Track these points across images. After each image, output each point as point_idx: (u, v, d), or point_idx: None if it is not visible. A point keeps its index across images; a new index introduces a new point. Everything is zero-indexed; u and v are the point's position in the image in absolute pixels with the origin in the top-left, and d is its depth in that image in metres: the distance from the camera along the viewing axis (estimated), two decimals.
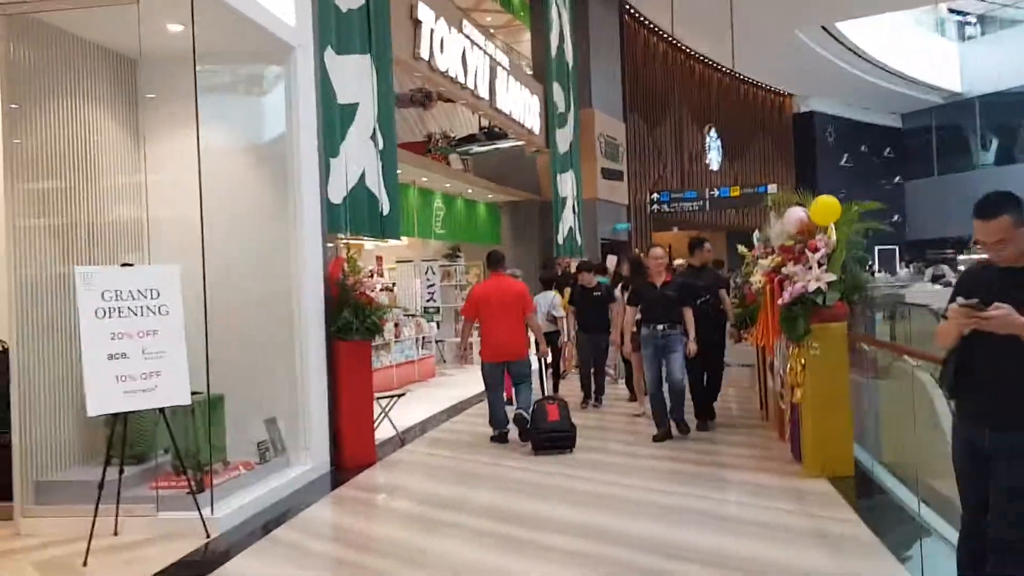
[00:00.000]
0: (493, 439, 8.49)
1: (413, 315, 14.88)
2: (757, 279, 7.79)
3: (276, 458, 6.98)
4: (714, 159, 27.74)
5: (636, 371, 9.90)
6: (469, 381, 13.82)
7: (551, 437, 7.80)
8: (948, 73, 32.94)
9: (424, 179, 15.46)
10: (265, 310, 7.26)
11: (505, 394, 8.82)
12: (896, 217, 33.35)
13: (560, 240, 17.94)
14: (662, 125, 24.67)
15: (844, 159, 33.50)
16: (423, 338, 14.46)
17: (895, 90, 32.05)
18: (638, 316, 8.29)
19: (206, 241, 5.86)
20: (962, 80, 33.38)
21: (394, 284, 15.44)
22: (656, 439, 8.09)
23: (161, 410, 5.60)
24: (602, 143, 20.30)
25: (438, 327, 16.40)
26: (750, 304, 8.25)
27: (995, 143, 33.37)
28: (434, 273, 15.90)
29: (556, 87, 17.99)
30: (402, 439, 8.76)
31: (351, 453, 7.70)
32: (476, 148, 18.44)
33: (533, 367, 8.99)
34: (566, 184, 18.33)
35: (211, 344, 5.98)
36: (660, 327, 8.02)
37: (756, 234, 9.50)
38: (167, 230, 6.86)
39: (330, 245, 8.04)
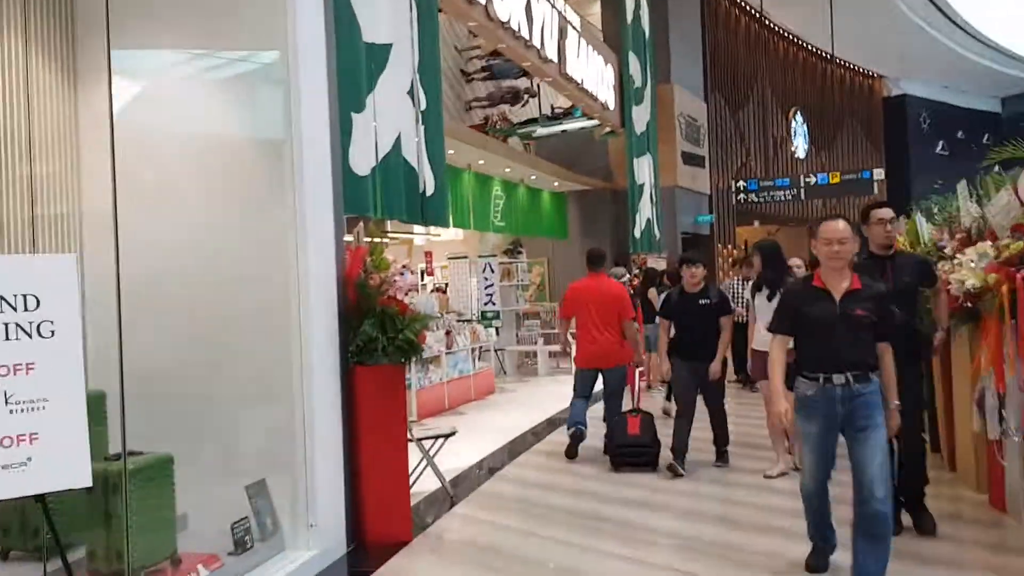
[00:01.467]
0: (568, 454, 7.62)
1: (468, 321, 12.57)
2: (966, 276, 5.27)
3: (264, 542, 4.70)
4: (800, 146, 24.94)
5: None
6: (533, 398, 11.45)
7: (630, 452, 7.04)
8: None
9: (481, 161, 13.13)
10: (252, 326, 4.99)
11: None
12: None
13: (637, 233, 15.46)
14: (745, 108, 22.00)
15: (940, 147, 30.29)
16: (480, 348, 12.13)
17: (997, 69, 28.76)
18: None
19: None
20: None
21: (447, 285, 13.17)
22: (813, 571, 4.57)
23: (39, 498, 3.34)
24: (682, 124, 17.76)
25: (497, 333, 14.07)
26: (956, 312, 5.62)
27: None
28: (493, 271, 13.56)
29: (632, 58, 15.52)
30: (452, 496, 6.41)
31: (378, 527, 5.36)
32: (540, 130, 16.07)
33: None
34: (643, 169, 15.84)
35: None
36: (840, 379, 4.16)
37: (918, 216, 7.08)
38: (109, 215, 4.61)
39: (348, 239, 5.72)
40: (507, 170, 14.24)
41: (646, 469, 6.97)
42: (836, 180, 17.93)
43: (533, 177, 15.11)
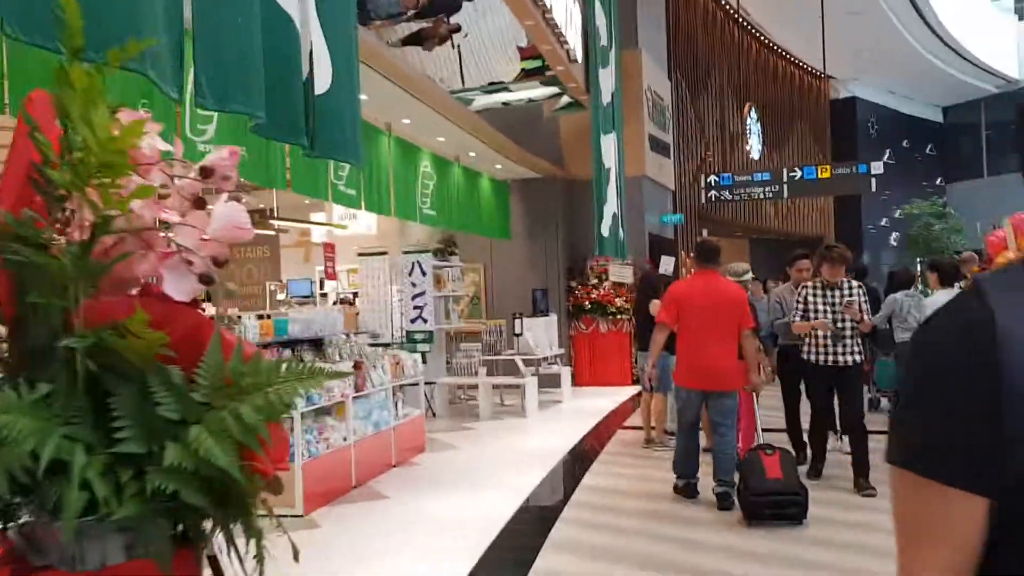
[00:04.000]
0: (677, 490, 6.08)
1: (387, 345, 8.55)
2: None
3: None
4: (754, 145, 21.76)
5: None
6: (484, 459, 7.48)
7: (774, 502, 5.26)
8: (1004, 56, 27.38)
9: (406, 121, 9.16)
10: None
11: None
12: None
13: (604, 230, 11.68)
14: (705, 96, 18.62)
15: (887, 155, 27.71)
16: (403, 386, 8.07)
17: (947, 72, 26.35)
18: None
19: None
20: (1021, 65, 27.85)
21: (355, 295, 9.11)
22: None
23: None
24: (649, 101, 14.14)
25: (424, 361, 10.04)
26: None
27: None
28: (424, 274, 9.55)
29: (598, 7, 11.78)
30: None
31: None
32: (479, 100, 12.22)
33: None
34: (610, 151, 12.10)
35: None
36: None
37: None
38: None
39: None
40: (440, 140, 10.27)
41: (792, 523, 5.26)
42: (826, 174, 14.63)
43: (473, 155, 11.18)
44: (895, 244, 27.22)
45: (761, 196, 15.03)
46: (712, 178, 15.19)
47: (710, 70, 19.01)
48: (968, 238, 21.44)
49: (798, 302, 6.09)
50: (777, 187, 14.81)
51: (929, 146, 29.99)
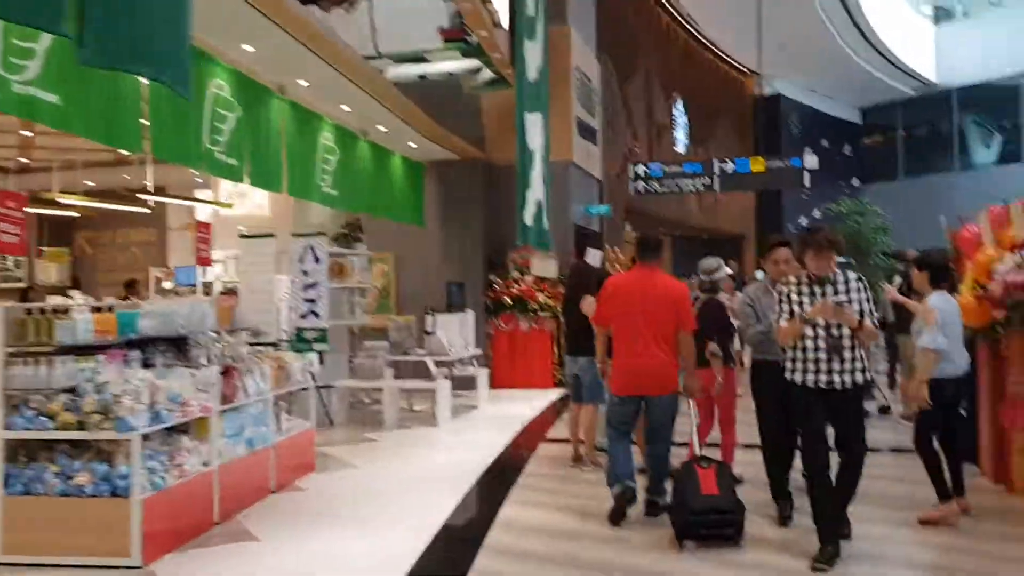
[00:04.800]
0: (612, 515, 5.19)
1: (272, 345, 7.21)
2: None
3: None
4: (680, 138, 20.98)
5: None
6: (388, 476, 6.23)
7: (709, 521, 4.70)
8: (924, 59, 27.35)
9: (303, 83, 7.84)
10: None
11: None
12: None
13: (528, 219, 10.54)
14: (633, 82, 17.66)
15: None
16: (288, 396, 6.75)
17: (868, 71, 26.12)
18: None
19: None
20: (937, 69, 27.88)
21: (231, 288, 7.74)
22: None
23: None
24: (578, 81, 13.04)
25: (321, 362, 8.73)
26: None
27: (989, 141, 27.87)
28: (317, 260, 8.22)
29: None
30: None
31: None
32: (392, 70, 10.91)
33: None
34: (535, 132, 10.96)
35: None
36: None
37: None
38: None
39: None
40: (345, 109, 8.95)
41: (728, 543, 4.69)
42: (760, 168, 13.81)
43: (383, 129, 9.88)
44: None
45: (692, 189, 14.11)
46: (641, 168, 14.20)
47: (637, 58, 18.07)
48: (893, 237, 21.13)
49: (781, 303, 4.53)
50: (708, 180, 13.91)
51: (847, 147, 29.87)
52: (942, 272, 5.31)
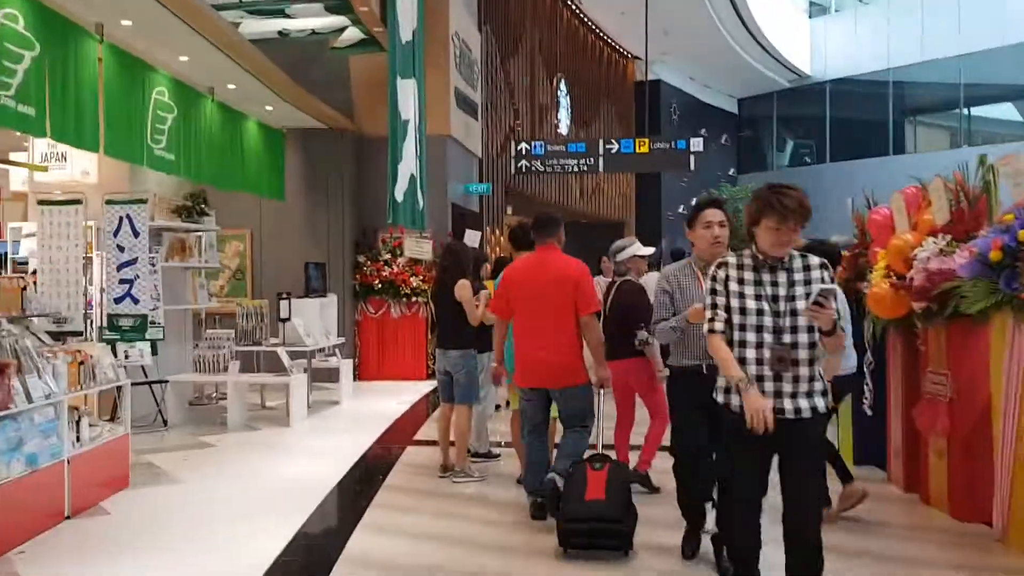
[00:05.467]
0: (534, 515, 4.77)
1: (75, 334, 5.93)
2: None
3: None
4: (563, 120, 20.27)
5: None
6: (221, 493, 5.08)
7: (591, 529, 4.15)
8: (799, 51, 27.68)
9: (127, 22, 6.56)
10: None
11: None
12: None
13: (399, 195, 9.50)
14: (515, 58, 16.76)
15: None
16: (100, 393, 5.50)
17: (747, 61, 26.23)
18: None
19: None
20: (812, 62, 28.30)
21: (26, 270, 6.41)
22: None
23: None
24: (457, 49, 12.02)
25: (155, 352, 7.46)
26: None
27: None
28: (136, 233, 6.90)
29: None
30: None
31: None
32: (247, 24, 9.66)
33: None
34: (408, 100, 9.90)
35: None
36: None
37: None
38: None
39: None
40: (183, 59, 7.65)
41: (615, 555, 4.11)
42: (645, 149, 13.18)
43: (232, 87, 8.61)
44: None
45: (575, 169, 13.36)
46: (523, 146, 13.34)
47: (521, 34, 17.19)
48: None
49: (713, 294, 3.18)
50: (592, 160, 13.20)
51: (724, 136, 30.05)
52: (832, 262, 4.65)
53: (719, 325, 3.13)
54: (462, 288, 5.66)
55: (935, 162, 23.85)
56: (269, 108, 9.59)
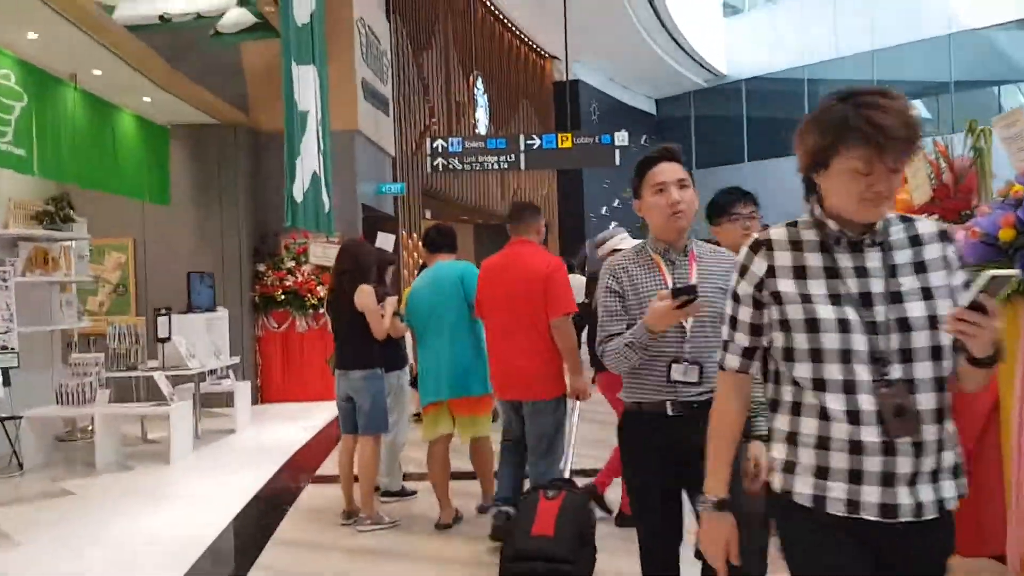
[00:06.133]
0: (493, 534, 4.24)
1: None
2: None
3: None
4: (481, 119, 19.40)
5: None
6: (54, 568, 3.96)
7: (530, 571, 3.47)
8: (715, 50, 27.46)
9: None
10: None
11: None
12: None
13: (298, 194, 8.43)
14: (429, 54, 15.79)
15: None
16: None
17: (665, 61, 25.92)
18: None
19: None
20: (728, 61, 28.14)
21: None
22: None
23: None
24: (363, 37, 10.99)
25: (6, 383, 6.25)
26: None
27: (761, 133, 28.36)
28: None
29: None
30: None
31: None
32: (123, 8, 8.44)
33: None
34: (307, 88, 8.83)
35: None
36: None
37: None
38: None
39: None
40: (31, 37, 6.47)
41: None
42: (568, 144, 12.38)
43: (98, 73, 7.43)
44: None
45: (495, 166, 12.47)
46: (439, 143, 12.39)
47: (435, 27, 16.23)
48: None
49: (736, 295, 1.86)
50: (513, 157, 12.33)
51: (644, 137, 29.67)
52: None
53: (734, 359, 1.87)
54: (363, 295, 4.68)
55: None
56: (147, 99, 8.42)
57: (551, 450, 4.17)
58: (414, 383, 5.10)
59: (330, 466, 6.41)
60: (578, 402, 4.23)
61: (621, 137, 12.53)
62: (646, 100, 29.91)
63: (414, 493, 5.38)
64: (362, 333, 4.71)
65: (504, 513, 4.18)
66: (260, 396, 9.78)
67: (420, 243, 5.43)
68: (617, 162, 12.75)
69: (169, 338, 6.99)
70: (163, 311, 7.03)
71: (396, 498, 5.29)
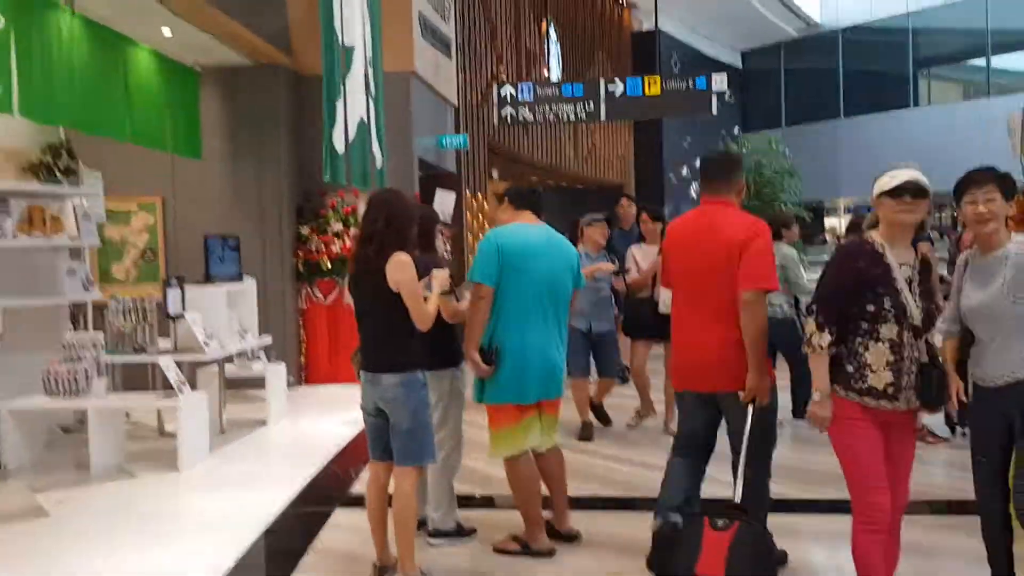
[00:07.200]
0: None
1: None
2: None
3: None
4: (554, 69, 17.79)
5: None
6: None
7: None
8: None
9: None
10: None
11: None
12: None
13: (339, 143, 7.09)
14: None
15: None
16: None
17: (754, 6, 23.79)
18: None
19: None
20: (822, 9, 25.78)
21: None
22: None
23: None
24: None
25: None
26: None
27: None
28: None
29: None
30: None
31: None
32: None
33: None
34: (353, 18, 7.46)
35: None
36: None
37: None
38: None
39: None
40: None
41: None
42: (655, 90, 10.77)
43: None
44: (696, 197, 24.52)
45: (571, 117, 10.95)
46: (508, 90, 10.91)
47: None
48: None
49: None
50: (592, 105, 10.77)
51: (728, 92, 27.57)
52: None
53: None
54: (398, 268, 3.30)
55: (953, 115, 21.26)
56: (167, 32, 7.14)
57: (762, 450, 3.38)
58: None
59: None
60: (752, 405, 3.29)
61: (719, 81, 10.83)
62: (731, 52, 27.74)
63: (472, 532, 4.02)
64: (397, 321, 3.33)
65: (672, 524, 3.45)
66: (305, 376, 8.58)
67: (492, 199, 4.29)
68: (714, 111, 11.06)
69: (182, 315, 5.75)
70: (175, 280, 5.78)
71: (449, 539, 3.94)
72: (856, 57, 25.82)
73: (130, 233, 8.50)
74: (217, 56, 8.08)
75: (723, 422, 3.52)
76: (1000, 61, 23.72)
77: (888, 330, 2.78)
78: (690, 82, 10.85)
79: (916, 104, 25.02)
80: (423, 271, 3.44)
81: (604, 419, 6.36)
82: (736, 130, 27.53)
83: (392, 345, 3.36)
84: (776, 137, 22.58)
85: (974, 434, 2.94)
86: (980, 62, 24.15)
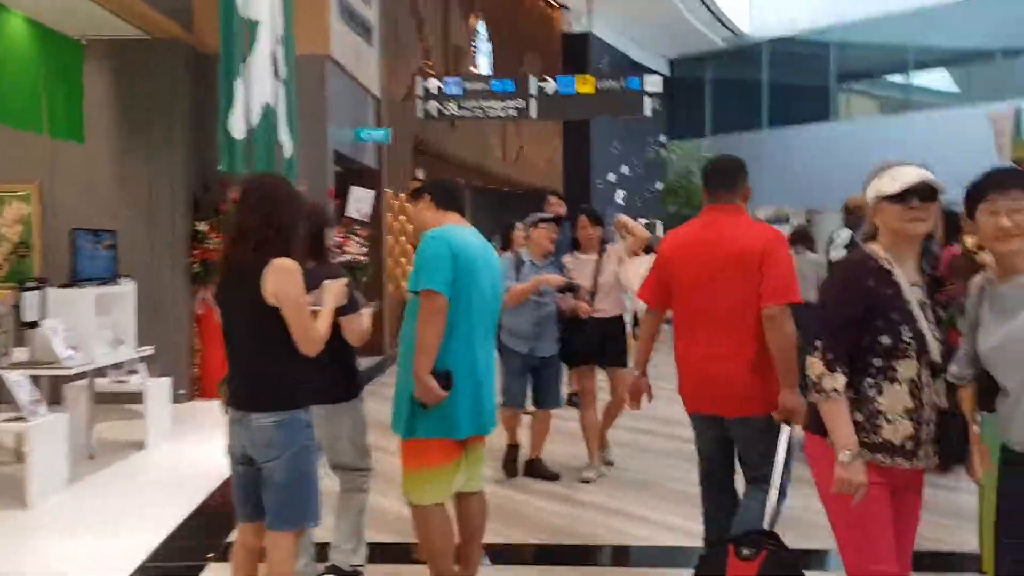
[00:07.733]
0: None
1: None
2: None
3: None
4: (483, 66, 17.14)
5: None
6: None
7: None
8: (739, 9, 25.10)
9: None
10: None
11: None
12: (658, 184, 25.30)
13: (236, 128, 6.28)
14: None
15: None
16: None
17: (684, 16, 23.66)
18: None
19: None
20: (750, 20, 25.79)
21: None
22: None
23: None
24: None
25: None
26: None
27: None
28: None
29: None
30: None
31: None
32: None
33: None
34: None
35: None
36: None
37: None
38: None
39: None
40: None
41: None
42: (589, 89, 10.19)
43: None
44: (622, 202, 24.17)
45: (501, 114, 10.30)
46: (434, 84, 10.18)
47: None
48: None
49: None
50: (523, 103, 10.15)
51: (658, 95, 27.39)
52: None
53: None
54: (280, 275, 2.57)
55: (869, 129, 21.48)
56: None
57: (766, 475, 3.07)
58: None
59: None
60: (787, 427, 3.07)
61: (652, 83, 10.36)
62: (659, 60, 27.55)
63: None
64: (274, 343, 2.60)
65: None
66: (199, 390, 7.70)
67: (411, 198, 3.55)
68: (648, 111, 10.57)
69: (37, 323, 4.86)
70: (32, 283, 4.89)
71: None
72: (780, 68, 25.97)
73: (1, 225, 7.48)
74: (105, 27, 7.16)
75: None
76: (919, 78, 24.16)
77: (907, 368, 2.20)
78: (623, 82, 10.31)
79: (837, 117, 25.33)
80: (313, 284, 2.71)
81: (546, 474, 5.22)
82: (662, 137, 27.40)
83: (267, 374, 2.62)
84: (704, 145, 22.51)
85: (1010, 517, 2.16)
86: (898, 78, 24.58)
